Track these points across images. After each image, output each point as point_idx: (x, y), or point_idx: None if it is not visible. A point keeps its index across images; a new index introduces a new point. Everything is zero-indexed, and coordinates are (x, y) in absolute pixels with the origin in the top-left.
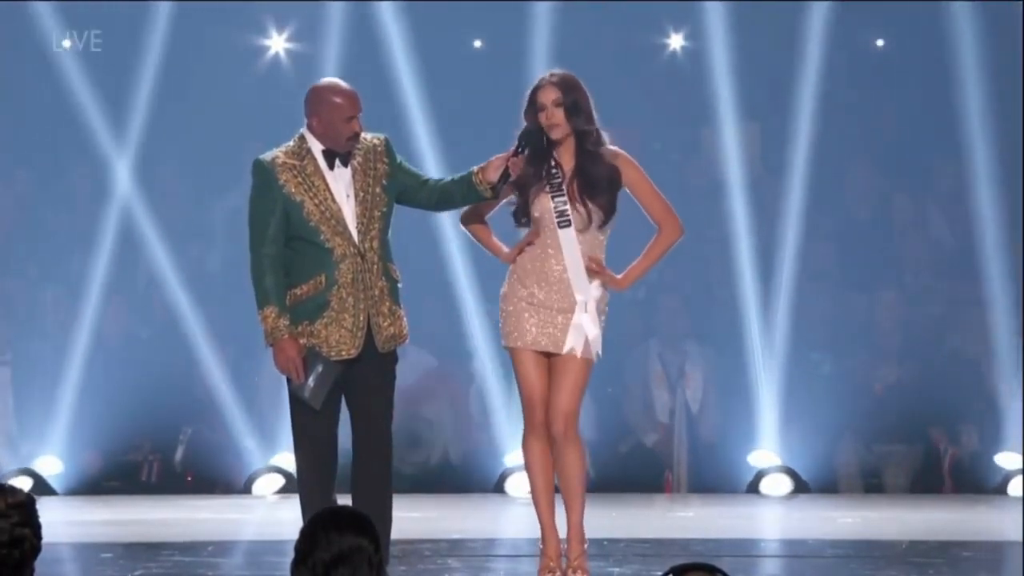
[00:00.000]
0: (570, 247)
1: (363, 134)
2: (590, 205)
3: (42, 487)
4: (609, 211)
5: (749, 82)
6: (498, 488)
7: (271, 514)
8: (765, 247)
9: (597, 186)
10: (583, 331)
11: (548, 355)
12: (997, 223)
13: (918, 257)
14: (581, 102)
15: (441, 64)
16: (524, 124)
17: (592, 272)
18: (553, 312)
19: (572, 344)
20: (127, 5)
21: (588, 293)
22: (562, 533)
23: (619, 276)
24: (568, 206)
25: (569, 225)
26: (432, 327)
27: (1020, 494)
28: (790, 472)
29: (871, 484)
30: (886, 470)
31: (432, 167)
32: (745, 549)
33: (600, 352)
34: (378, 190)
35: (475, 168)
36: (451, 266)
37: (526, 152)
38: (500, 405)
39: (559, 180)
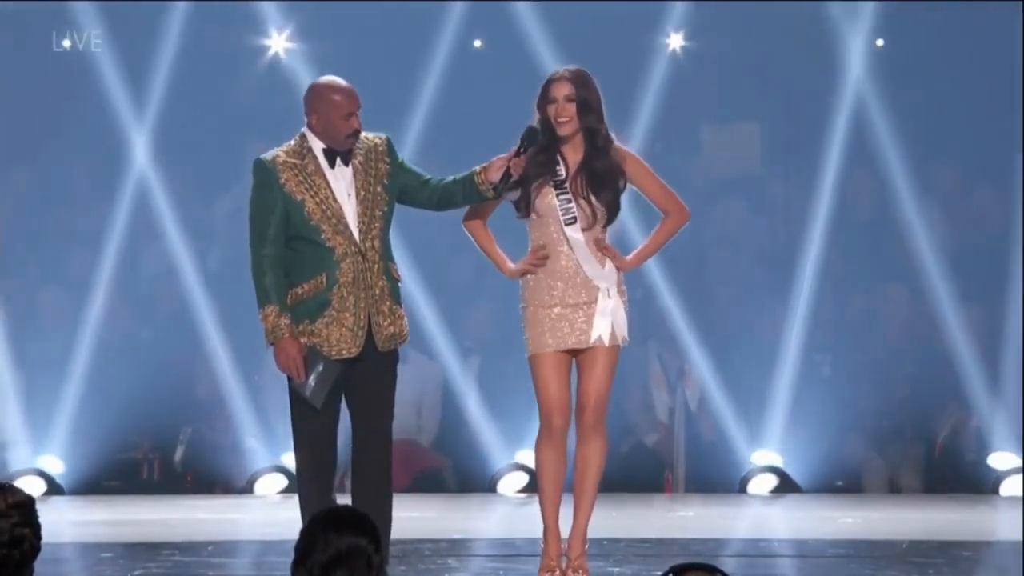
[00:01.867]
0: (579, 243)
1: (364, 133)
2: (594, 202)
3: (52, 487)
4: (613, 209)
5: (749, 82)
6: (491, 488)
7: (271, 514)
8: (765, 247)
9: (602, 183)
10: (609, 317)
11: (573, 352)
12: (997, 223)
13: (918, 257)
14: (592, 99)
15: (441, 64)
16: (529, 121)
17: (601, 250)
18: (574, 307)
19: (600, 332)
20: (127, 5)
21: (607, 279)
22: (564, 531)
23: (627, 257)
24: (573, 203)
25: (575, 222)
26: (433, 326)
27: (1019, 494)
28: (777, 471)
29: (872, 484)
30: (886, 470)
31: (431, 167)
32: (745, 549)
33: (627, 336)
34: (379, 189)
35: (477, 168)
36: (453, 265)
37: (527, 152)
38: (499, 405)
39: (562, 177)
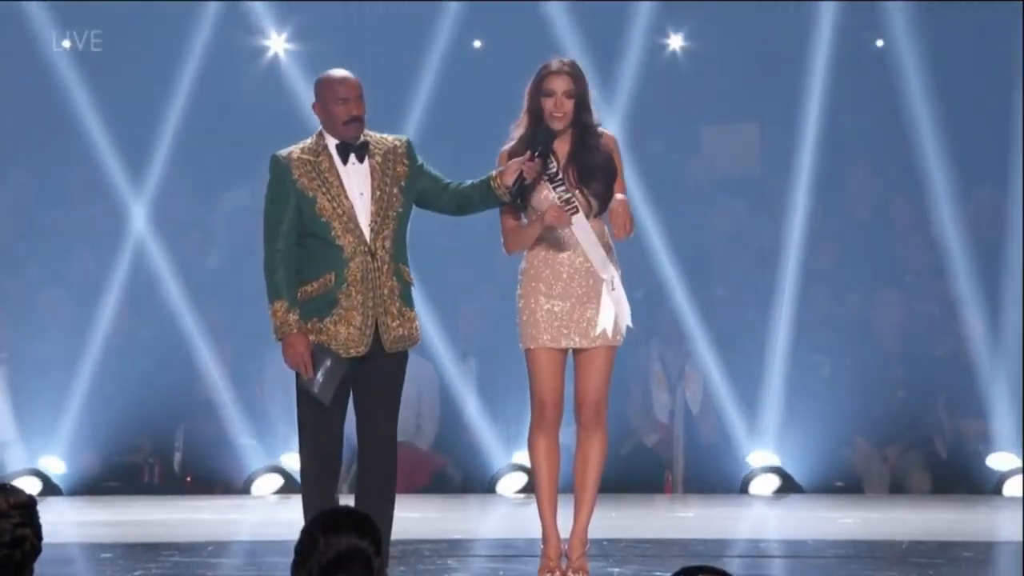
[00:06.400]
0: (583, 232)
1: (384, 135)
2: (587, 193)
3: (49, 488)
4: (605, 199)
5: (749, 82)
6: (490, 489)
7: (271, 514)
8: (765, 248)
9: (592, 175)
10: (613, 309)
11: (568, 349)
12: (996, 223)
13: (918, 257)
14: (586, 94)
15: (441, 64)
16: (519, 118)
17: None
18: (576, 304)
19: (604, 326)
20: (127, 5)
21: (611, 271)
22: (564, 532)
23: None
24: (571, 193)
25: (578, 211)
26: (430, 327)
27: (1019, 494)
28: (779, 472)
29: (871, 485)
30: (886, 471)
31: (432, 167)
32: (745, 549)
33: (631, 324)
34: (395, 191)
35: (493, 172)
36: (450, 266)
37: (541, 154)
38: (497, 406)
39: (554, 170)
